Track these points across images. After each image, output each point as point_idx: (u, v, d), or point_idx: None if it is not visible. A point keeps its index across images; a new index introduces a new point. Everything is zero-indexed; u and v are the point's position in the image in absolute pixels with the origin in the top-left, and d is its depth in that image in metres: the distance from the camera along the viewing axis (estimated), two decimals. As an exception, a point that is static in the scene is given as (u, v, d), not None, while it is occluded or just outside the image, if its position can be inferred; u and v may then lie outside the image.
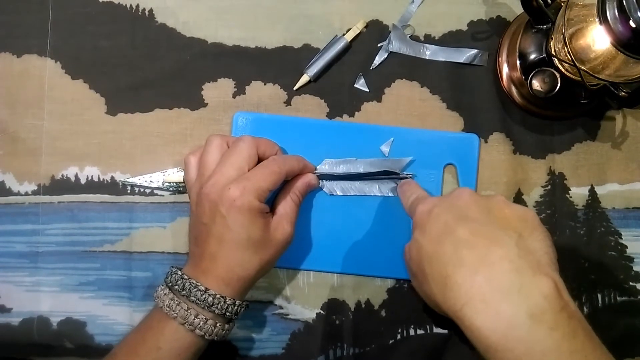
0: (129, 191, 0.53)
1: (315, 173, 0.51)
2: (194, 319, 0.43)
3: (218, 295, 0.43)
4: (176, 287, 0.44)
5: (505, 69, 0.53)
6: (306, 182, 0.50)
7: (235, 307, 0.44)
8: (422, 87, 0.54)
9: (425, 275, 0.40)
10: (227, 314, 0.44)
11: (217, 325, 0.44)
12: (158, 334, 0.43)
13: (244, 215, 0.43)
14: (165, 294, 0.44)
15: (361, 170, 0.51)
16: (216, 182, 0.44)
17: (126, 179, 0.53)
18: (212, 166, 0.46)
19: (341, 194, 0.52)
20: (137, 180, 0.52)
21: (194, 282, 0.43)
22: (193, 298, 0.43)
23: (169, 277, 0.45)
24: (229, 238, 0.43)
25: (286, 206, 0.48)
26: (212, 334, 0.44)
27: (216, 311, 0.43)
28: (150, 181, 0.52)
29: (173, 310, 0.43)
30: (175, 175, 0.52)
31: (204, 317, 0.43)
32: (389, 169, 0.51)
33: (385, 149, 0.52)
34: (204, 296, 0.43)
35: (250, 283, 0.45)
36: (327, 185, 0.52)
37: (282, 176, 0.46)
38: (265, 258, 0.45)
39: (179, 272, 0.45)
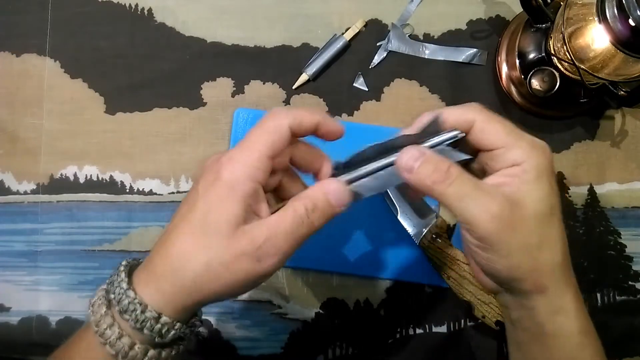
0: (127, 190, 0.53)
1: (341, 176, 0.36)
2: (106, 330, 0.33)
3: (136, 300, 0.33)
4: (110, 287, 0.35)
5: (504, 68, 0.53)
6: (320, 186, 0.35)
7: (159, 325, 0.33)
8: (421, 86, 0.54)
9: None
10: (146, 330, 0.33)
11: (136, 346, 0.33)
12: (73, 347, 0.35)
13: (221, 190, 0.33)
14: (101, 289, 0.35)
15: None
16: (219, 155, 0.35)
17: None
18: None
19: (367, 195, 0.37)
20: None
21: (124, 283, 0.34)
22: (112, 295, 0.34)
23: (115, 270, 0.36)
24: (187, 217, 0.34)
25: (281, 214, 0.34)
26: (126, 356, 0.33)
27: (131, 322, 0.33)
28: None
29: (94, 314, 0.34)
30: None
31: (117, 331, 0.33)
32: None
33: None
34: (120, 295, 0.33)
35: (186, 291, 0.33)
36: (362, 186, 0.36)
37: (282, 132, 0.34)
38: (213, 262, 0.33)
39: (124, 263, 0.36)
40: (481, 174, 0.37)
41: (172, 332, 0.34)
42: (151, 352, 0.34)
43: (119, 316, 0.33)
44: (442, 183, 0.34)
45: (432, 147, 0.36)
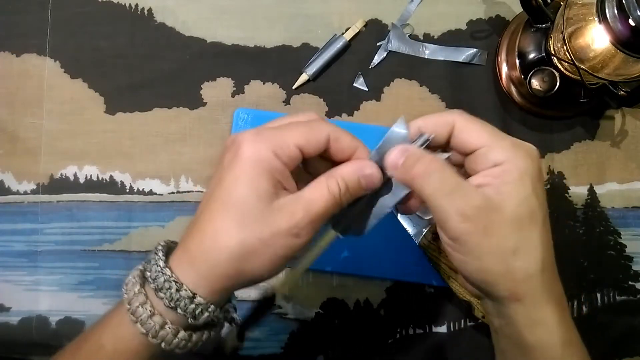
0: (127, 190, 0.53)
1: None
2: (138, 307, 0.33)
3: (172, 278, 0.32)
4: (147, 265, 0.34)
5: (504, 68, 0.53)
6: (357, 169, 0.34)
7: (193, 305, 0.32)
8: (421, 86, 0.54)
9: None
10: (180, 310, 0.32)
11: (167, 326, 0.33)
12: (104, 325, 0.35)
13: (245, 166, 0.32)
14: (136, 269, 0.35)
15: None
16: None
17: None
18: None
19: (370, 228, 0.38)
20: None
21: (161, 261, 0.33)
22: (148, 273, 0.34)
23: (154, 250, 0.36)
24: (216, 195, 0.33)
25: (315, 191, 0.33)
26: (156, 335, 0.33)
27: (165, 301, 0.33)
28: None
29: (127, 292, 0.34)
30: None
31: (149, 309, 0.33)
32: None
33: None
34: (157, 273, 0.33)
35: (223, 271, 0.32)
36: (354, 230, 0.37)
37: (319, 135, 0.34)
38: (249, 238, 0.32)
39: (162, 243, 0.35)
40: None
41: (206, 314, 0.33)
42: (182, 334, 0.33)
43: (153, 294, 0.33)
44: (422, 177, 0.33)
45: None
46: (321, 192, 0.33)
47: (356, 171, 0.34)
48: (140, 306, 0.33)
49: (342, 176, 0.34)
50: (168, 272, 0.33)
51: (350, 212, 0.36)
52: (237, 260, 0.32)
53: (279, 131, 0.34)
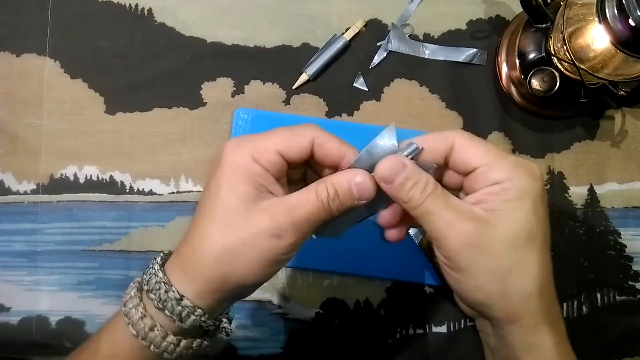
0: (127, 190, 0.53)
1: None
2: (131, 309, 0.34)
3: (163, 280, 0.33)
4: (146, 270, 0.35)
5: (504, 68, 0.53)
6: (348, 176, 0.34)
7: (180, 307, 0.33)
8: (421, 86, 0.54)
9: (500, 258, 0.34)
10: (167, 312, 0.33)
11: (156, 328, 0.33)
12: (103, 329, 0.36)
13: (226, 172, 0.33)
14: (137, 278, 0.36)
15: None
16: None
17: None
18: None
19: (346, 229, 0.38)
20: None
21: (156, 265, 0.34)
22: (144, 277, 0.35)
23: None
24: (202, 201, 0.34)
25: (302, 194, 0.34)
26: (146, 337, 0.33)
27: (154, 302, 0.33)
28: None
29: (124, 296, 0.35)
30: None
31: (141, 311, 0.33)
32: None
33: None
34: (150, 275, 0.34)
35: (208, 274, 0.33)
36: (329, 232, 0.37)
37: (302, 140, 0.34)
38: (231, 239, 0.32)
39: (163, 253, 0.36)
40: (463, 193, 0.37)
41: (192, 317, 0.33)
42: (170, 338, 0.34)
43: (146, 296, 0.34)
44: (417, 200, 0.33)
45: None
46: (308, 197, 0.33)
47: (347, 178, 0.34)
48: (133, 308, 0.34)
49: (332, 182, 0.34)
50: (160, 274, 0.34)
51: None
52: (220, 262, 0.33)
53: (260, 137, 0.34)
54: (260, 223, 0.32)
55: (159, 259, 0.35)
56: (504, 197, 0.33)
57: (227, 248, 0.32)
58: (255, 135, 0.34)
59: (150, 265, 0.35)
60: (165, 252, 0.36)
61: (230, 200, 0.33)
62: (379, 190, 0.35)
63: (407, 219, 0.37)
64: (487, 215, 0.33)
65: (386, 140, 0.35)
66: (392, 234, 0.38)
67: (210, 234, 0.33)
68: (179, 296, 0.33)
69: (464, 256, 0.33)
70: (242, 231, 0.32)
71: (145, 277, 0.35)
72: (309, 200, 0.33)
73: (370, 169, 0.35)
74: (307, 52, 0.54)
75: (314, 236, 0.36)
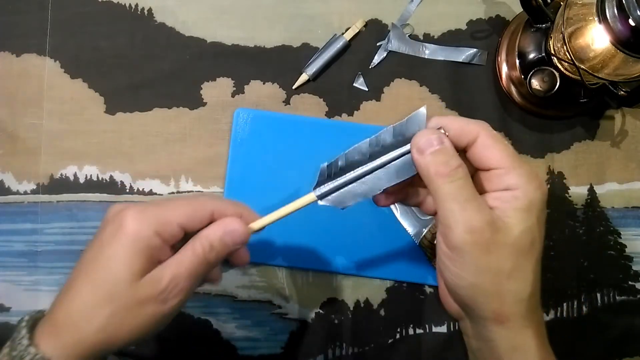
0: (127, 190, 0.53)
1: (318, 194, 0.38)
2: None
3: (38, 357, 0.32)
4: (12, 341, 0.34)
5: (504, 68, 0.53)
6: (221, 228, 0.36)
7: None
8: (421, 86, 0.54)
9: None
10: None
11: None
12: None
13: (123, 244, 0.33)
14: (5, 348, 0.34)
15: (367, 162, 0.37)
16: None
17: None
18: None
19: (354, 202, 0.38)
20: None
21: (25, 339, 0.33)
22: (14, 353, 0.33)
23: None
24: (89, 270, 0.34)
25: (181, 255, 0.35)
26: None
27: None
28: None
29: None
30: None
31: None
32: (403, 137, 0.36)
33: None
34: (22, 352, 0.32)
35: (90, 343, 0.33)
36: (335, 198, 0.38)
37: (203, 213, 0.36)
38: (117, 312, 0.33)
39: (27, 318, 0.35)
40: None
41: None
42: None
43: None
44: (444, 178, 0.34)
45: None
46: (185, 255, 0.35)
47: (219, 229, 0.36)
48: None
49: (205, 236, 0.36)
50: (33, 350, 0.32)
51: (336, 182, 0.37)
52: (104, 333, 0.33)
53: (162, 209, 0.35)
54: (146, 292, 0.34)
55: (24, 331, 0.34)
56: (515, 205, 0.34)
57: (113, 319, 0.33)
58: (157, 207, 0.35)
59: (18, 341, 0.33)
60: (27, 317, 0.35)
61: (121, 274, 0.33)
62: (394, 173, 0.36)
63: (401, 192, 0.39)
64: (501, 219, 0.34)
65: (415, 123, 0.36)
66: (380, 200, 0.39)
67: (96, 304, 0.33)
68: None
69: (470, 252, 0.34)
70: (129, 301, 0.33)
71: (15, 353, 0.33)
72: (186, 259, 0.35)
73: (396, 145, 0.36)
74: (307, 52, 0.54)
75: (319, 202, 0.38)
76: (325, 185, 0.38)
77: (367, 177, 0.37)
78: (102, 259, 0.34)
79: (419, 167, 0.35)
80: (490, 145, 0.35)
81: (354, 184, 0.37)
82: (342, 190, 0.37)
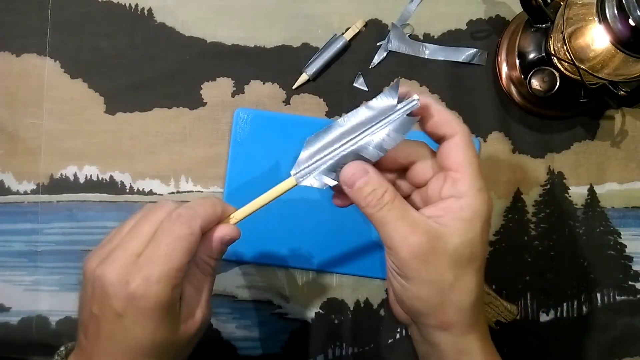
0: (127, 190, 0.53)
1: (297, 178, 0.38)
2: None
3: None
4: None
5: (504, 68, 0.53)
6: (218, 238, 0.37)
7: None
8: (421, 86, 0.54)
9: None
10: None
11: None
12: None
13: (148, 317, 0.33)
14: None
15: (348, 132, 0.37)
16: (113, 261, 0.34)
17: None
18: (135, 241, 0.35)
19: (335, 181, 0.38)
20: None
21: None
22: None
23: None
24: (127, 344, 0.34)
25: (196, 283, 0.37)
26: None
27: None
28: None
29: None
30: None
31: None
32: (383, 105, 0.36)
33: None
34: None
35: None
36: (315, 179, 0.38)
37: (197, 237, 0.35)
38: (171, 358, 0.36)
39: (62, 348, 0.37)
40: (422, 200, 0.39)
41: None
42: None
43: None
44: (374, 207, 0.35)
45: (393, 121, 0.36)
46: (200, 279, 0.38)
47: (218, 239, 0.38)
48: None
49: (206, 251, 0.37)
50: None
51: (314, 163, 0.38)
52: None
53: (162, 262, 0.34)
54: (190, 333, 0.38)
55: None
56: (459, 215, 0.35)
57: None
58: (154, 261, 0.34)
59: None
60: (62, 348, 0.39)
61: (161, 339, 0.35)
62: None
63: None
64: (440, 229, 0.35)
65: (388, 96, 0.36)
66: (337, 201, 0.40)
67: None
68: None
69: (413, 267, 0.35)
70: (175, 349, 0.37)
71: None
72: (205, 281, 0.38)
73: (369, 122, 0.36)
74: (307, 52, 0.54)
75: (299, 183, 0.38)
76: (304, 168, 0.38)
77: (345, 151, 0.37)
78: (132, 337, 0.34)
79: (351, 199, 0.37)
80: (462, 147, 0.36)
81: (331, 161, 0.37)
82: (320, 168, 0.37)
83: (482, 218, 0.35)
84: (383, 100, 0.36)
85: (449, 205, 0.36)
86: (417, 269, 0.35)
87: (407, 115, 0.36)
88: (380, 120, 0.36)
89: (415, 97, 0.36)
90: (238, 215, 0.39)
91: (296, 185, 0.38)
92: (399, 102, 0.36)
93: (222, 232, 0.37)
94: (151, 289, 0.33)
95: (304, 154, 0.38)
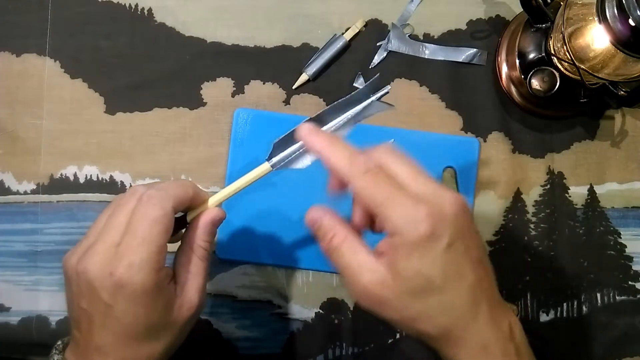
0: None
1: (273, 165, 0.40)
2: None
3: None
4: None
5: (504, 68, 0.53)
6: (208, 221, 0.38)
7: None
8: (421, 86, 0.54)
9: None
10: None
11: None
12: None
13: (138, 303, 0.34)
14: None
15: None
16: (94, 254, 0.34)
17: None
18: (111, 232, 0.35)
19: (310, 158, 0.40)
20: None
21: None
22: None
23: None
24: (120, 331, 0.34)
25: (190, 268, 0.38)
26: None
27: None
28: None
29: None
30: None
31: None
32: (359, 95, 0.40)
33: None
34: None
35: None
36: (290, 160, 0.40)
37: (171, 217, 0.36)
38: (168, 342, 0.36)
39: (59, 342, 0.38)
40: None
41: None
42: None
43: None
44: (327, 250, 0.37)
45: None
46: (195, 264, 0.38)
47: (207, 223, 0.39)
48: None
49: (199, 236, 0.38)
50: None
51: (289, 148, 0.40)
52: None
53: (142, 247, 0.34)
54: (184, 316, 0.37)
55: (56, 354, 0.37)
56: (398, 254, 0.33)
57: (166, 350, 0.37)
58: (133, 247, 0.34)
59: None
60: (59, 342, 0.39)
61: (154, 321, 0.35)
62: None
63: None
64: (385, 271, 0.33)
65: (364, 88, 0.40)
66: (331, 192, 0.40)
67: (155, 353, 0.36)
68: None
69: (369, 308, 0.35)
70: (172, 333, 0.37)
71: None
72: (201, 274, 0.39)
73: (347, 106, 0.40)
74: (307, 52, 0.54)
75: (273, 168, 0.40)
76: (279, 154, 0.40)
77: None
78: (125, 322, 0.34)
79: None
80: (359, 191, 0.34)
81: (300, 153, 0.40)
82: (296, 152, 0.39)
83: (425, 242, 0.32)
84: (354, 96, 0.40)
85: (391, 242, 0.33)
86: (374, 310, 0.35)
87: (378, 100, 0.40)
88: (351, 105, 0.40)
89: (388, 87, 0.40)
90: (214, 200, 0.40)
91: (272, 170, 0.40)
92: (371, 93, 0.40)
93: (210, 215, 0.39)
94: (136, 275, 0.33)
95: (277, 141, 0.39)
